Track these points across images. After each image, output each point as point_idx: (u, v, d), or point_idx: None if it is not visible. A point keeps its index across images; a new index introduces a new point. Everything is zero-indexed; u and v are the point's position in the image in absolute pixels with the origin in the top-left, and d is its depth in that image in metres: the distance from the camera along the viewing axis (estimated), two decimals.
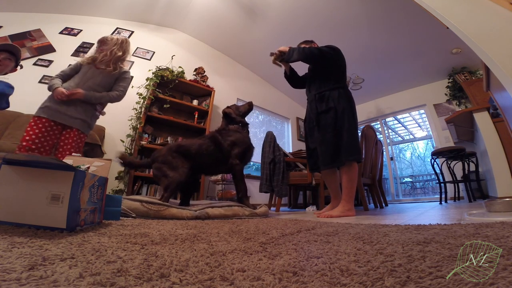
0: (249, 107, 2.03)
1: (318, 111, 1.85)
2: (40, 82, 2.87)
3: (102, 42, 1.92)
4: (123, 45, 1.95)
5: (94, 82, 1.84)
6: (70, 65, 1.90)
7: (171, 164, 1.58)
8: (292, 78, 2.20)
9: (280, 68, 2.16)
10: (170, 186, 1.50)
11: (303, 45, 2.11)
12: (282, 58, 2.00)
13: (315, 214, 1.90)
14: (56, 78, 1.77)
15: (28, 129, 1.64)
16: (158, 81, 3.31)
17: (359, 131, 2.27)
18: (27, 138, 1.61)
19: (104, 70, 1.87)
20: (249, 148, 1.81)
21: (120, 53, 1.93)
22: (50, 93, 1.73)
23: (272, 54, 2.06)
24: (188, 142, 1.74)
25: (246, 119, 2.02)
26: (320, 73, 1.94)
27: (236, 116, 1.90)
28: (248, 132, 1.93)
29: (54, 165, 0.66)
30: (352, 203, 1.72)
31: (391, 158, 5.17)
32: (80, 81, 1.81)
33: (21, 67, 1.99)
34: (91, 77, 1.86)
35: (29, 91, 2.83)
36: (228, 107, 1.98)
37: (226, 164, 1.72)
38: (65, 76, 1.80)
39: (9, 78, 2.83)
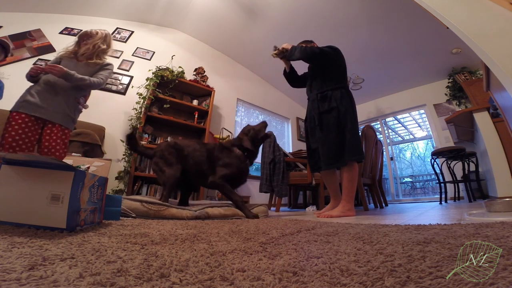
0: (266, 136, 1.81)
1: (320, 111, 1.84)
2: None
3: (86, 35, 1.88)
4: (107, 38, 1.95)
5: None
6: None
7: (167, 160, 1.58)
8: (291, 77, 2.20)
9: (275, 61, 2.14)
10: (167, 182, 1.52)
11: (303, 45, 2.12)
12: (284, 55, 2.00)
13: (315, 214, 1.90)
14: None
15: (7, 126, 1.54)
16: (158, 81, 3.31)
17: (359, 131, 2.27)
18: (7, 135, 1.51)
19: (86, 62, 1.83)
20: (240, 177, 1.66)
21: (104, 47, 1.91)
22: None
23: (275, 48, 2.05)
24: (186, 142, 1.70)
25: (246, 119, 1.96)
26: (321, 73, 1.94)
27: (248, 144, 1.68)
28: (251, 163, 1.74)
29: (54, 165, 0.66)
30: (352, 203, 1.72)
31: (391, 158, 5.17)
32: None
33: (12, 54, 1.95)
34: (73, 70, 1.77)
35: None
36: (245, 132, 1.77)
37: (206, 179, 1.59)
38: None
39: (10, 75, 2.84)
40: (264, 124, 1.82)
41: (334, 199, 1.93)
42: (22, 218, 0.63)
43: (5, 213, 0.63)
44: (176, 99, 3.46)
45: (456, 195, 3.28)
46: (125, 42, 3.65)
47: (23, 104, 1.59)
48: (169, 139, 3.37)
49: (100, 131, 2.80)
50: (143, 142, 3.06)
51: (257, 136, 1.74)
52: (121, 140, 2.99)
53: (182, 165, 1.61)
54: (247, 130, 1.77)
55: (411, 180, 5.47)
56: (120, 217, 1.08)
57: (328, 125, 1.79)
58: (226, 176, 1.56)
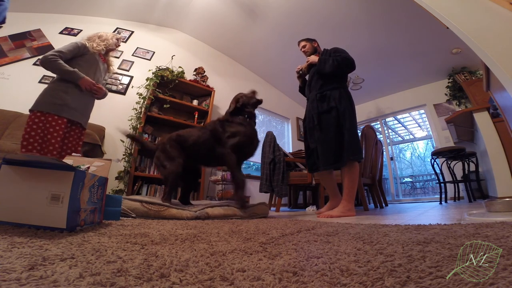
0: (258, 102, 1.79)
1: (320, 111, 1.85)
2: (40, 82, 2.87)
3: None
4: None
5: (100, 80, 1.84)
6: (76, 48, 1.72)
7: (168, 154, 1.55)
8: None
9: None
10: (168, 178, 1.49)
11: (303, 43, 2.16)
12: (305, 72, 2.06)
13: (316, 214, 1.89)
14: (59, 59, 1.58)
15: (48, 128, 1.51)
16: (158, 81, 3.31)
17: (359, 131, 2.27)
18: (53, 141, 1.52)
19: (107, 64, 1.92)
20: (251, 142, 1.62)
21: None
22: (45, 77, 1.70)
23: (300, 72, 2.09)
24: (187, 132, 1.67)
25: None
26: (323, 74, 1.93)
27: (246, 105, 1.70)
28: (254, 123, 1.73)
29: (54, 165, 0.66)
30: (352, 203, 1.72)
31: (391, 158, 5.16)
32: (94, 76, 1.75)
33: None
34: (103, 72, 1.85)
35: (29, 91, 2.81)
36: (239, 94, 1.81)
37: (219, 160, 1.58)
38: (64, 60, 1.63)
39: (10, 75, 2.83)
40: (253, 91, 1.81)
41: (333, 199, 1.93)
42: (22, 218, 0.63)
43: (5, 213, 0.63)
44: (176, 99, 3.45)
45: (456, 195, 3.28)
46: (125, 42, 3.65)
47: (64, 108, 1.58)
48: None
49: (100, 131, 2.80)
50: None
51: (249, 102, 1.72)
52: (121, 140, 2.99)
53: (188, 156, 1.57)
54: (239, 96, 1.77)
55: (411, 180, 5.47)
56: (120, 217, 1.08)
57: (327, 125, 1.79)
58: (235, 146, 1.50)
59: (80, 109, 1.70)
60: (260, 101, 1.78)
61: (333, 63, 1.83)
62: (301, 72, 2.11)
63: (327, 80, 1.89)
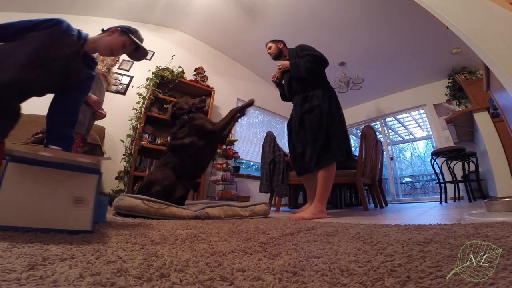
0: (200, 102, 1.91)
1: (302, 111, 1.76)
2: None
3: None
4: None
5: (103, 99, 1.94)
6: None
7: (155, 183, 1.48)
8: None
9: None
10: (167, 192, 1.46)
11: (269, 44, 2.15)
12: (282, 78, 2.00)
13: (289, 218, 1.72)
14: None
15: (74, 147, 1.64)
16: (158, 81, 3.31)
17: (359, 131, 2.27)
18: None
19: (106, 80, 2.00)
20: (204, 127, 1.72)
21: None
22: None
23: (277, 80, 2.04)
24: (160, 176, 1.52)
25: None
26: (301, 79, 1.85)
27: (181, 108, 1.84)
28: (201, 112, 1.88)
29: (77, 167, 0.64)
30: (325, 205, 1.63)
31: (391, 158, 5.16)
32: (100, 94, 1.85)
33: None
34: (104, 90, 1.94)
35: None
36: (170, 105, 1.94)
37: (213, 148, 1.71)
38: None
39: None
40: (200, 98, 1.93)
41: (312, 199, 1.84)
42: (44, 223, 0.59)
43: (23, 217, 0.58)
44: (176, 99, 3.45)
45: (456, 195, 3.27)
46: None
47: (80, 125, 1.70)
48: (169, 139, 3.37)
49: (100, 131, 2.80)
50: (143, 142, 3.06)
51: (186, 104, 1.87)
52: (121, 140, 2.99)
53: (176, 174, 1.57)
54: (170, 107, 1.92)
55: (411, 180, 5.48)
56: (120, 217, 1.08)
57: (310, 125, 1.70)
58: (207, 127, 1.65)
59: (88, 125, 1.83)
60: (200, 101, 1.90)
61: (306, 66, 1.73)
62: (277, 80, 2.03)
63: (307, 81, 1.80)
